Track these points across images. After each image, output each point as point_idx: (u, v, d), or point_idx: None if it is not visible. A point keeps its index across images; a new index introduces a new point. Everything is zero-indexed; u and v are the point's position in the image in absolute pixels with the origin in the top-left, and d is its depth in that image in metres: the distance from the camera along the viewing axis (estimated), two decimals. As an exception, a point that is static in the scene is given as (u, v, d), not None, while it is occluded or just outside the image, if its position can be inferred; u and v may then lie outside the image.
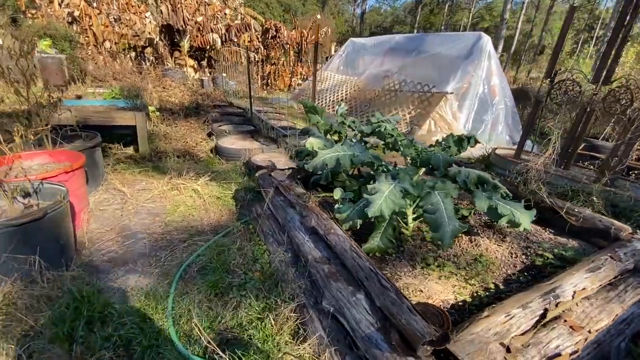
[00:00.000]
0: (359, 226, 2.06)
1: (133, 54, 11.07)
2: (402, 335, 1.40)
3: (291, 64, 13.94)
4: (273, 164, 4.24)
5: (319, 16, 15.16)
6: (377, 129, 2.59)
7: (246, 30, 11.79)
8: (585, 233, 2.36)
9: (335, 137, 2.94)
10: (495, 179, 2.32)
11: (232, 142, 5.13)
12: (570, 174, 4.49)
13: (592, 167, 4.53)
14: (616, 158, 3.91)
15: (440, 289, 1.82)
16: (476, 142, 2.47)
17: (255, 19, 13.45)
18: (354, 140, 2.77)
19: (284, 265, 2.22)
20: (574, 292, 1.63)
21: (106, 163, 3.96)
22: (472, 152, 6.33)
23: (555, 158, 4.36)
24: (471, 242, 2.28)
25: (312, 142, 2.42)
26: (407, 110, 7.53)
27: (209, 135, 5.68)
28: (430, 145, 2.57)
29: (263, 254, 2.52)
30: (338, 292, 1.72)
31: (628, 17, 3.86)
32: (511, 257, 2.18)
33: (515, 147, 5.33)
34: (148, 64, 10.94)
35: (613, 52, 3.99)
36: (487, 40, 7.26)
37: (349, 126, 2.90)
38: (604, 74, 4.07)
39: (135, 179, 3.87)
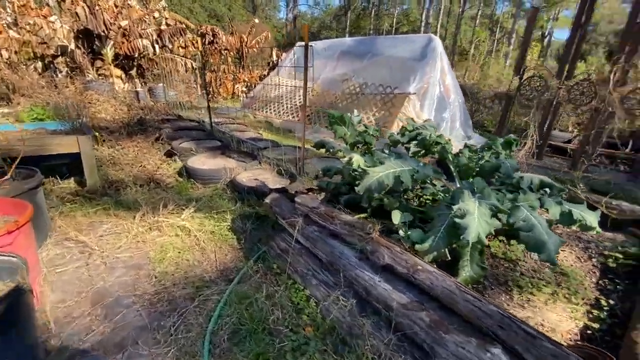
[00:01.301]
0: (449, 257, 1.73)
1: (40, 64, 9.21)
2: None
3: (232, 71, 13.09)
4: (263, 183, 3.70)
5: (257, 20, 14.53)
6: (418, 137, 2.30)
7: (181, 35, 10.68)
8: (626, 224, 2.38)
9: (356, 150, 2.58)
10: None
11: (202, 161, 4.40)
12: (546, 164, 4.79)
13: (562, 156, 4.93)
14: (587, 146, 4.24)
15: (556, 318, 1.58)
16: (518, 143, 2.32)
17: (181, 23, 12.30)
18: (387, 152, 2.43)
19: (349, 315, 1.79)
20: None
21: (48, 205, 3.00)
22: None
23: (534, 150, 4.60)
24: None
25: (357, 160, 2.02)
26: (370, 113, 7.47)
27: (169, 155, 4.83)
28: (476, 151, 2.36)
29: (307, 302, 2.04)
30: (459, 348, 1.37)
31: (581, 27, 4.25)
32: (581, 261, 2.06)
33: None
34: (61, 75, 9.20)
35: (572, 51, 4.35)
36: (438, 42, 7.58)
37: (373, 135, 2.57)
38: (566, 70, 4.41)
39: (92, 222, 2.99)
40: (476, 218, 1.61)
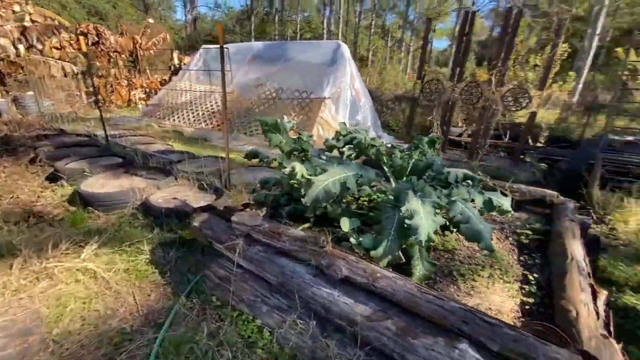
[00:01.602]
0: (403, 258, 1.72)
1: None
2: (547, 375, 1.19)
3: (126, 76, 11.52)
4: (184, 202, 3.26)
5: (151, 20, 13.08)
6: (354, 141, 2.28)
7: (54, 34, 8.90)
8: (525, 204, 2.79)
9: (293, 158, 2.44)
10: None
11: (101, 183, 3.67)
12: (449, 157, 5.42)
13: (458, 148, 5.66)
14: (479, 139, 4.95)
15: (499, 300, 1.72)
16: (438, 142, 2.51)
17: (52, 20, 10.29)
18: (324, 158, 2.36)
19: (310, 338, 1.65)
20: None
21: None
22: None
23: (439, 145, 5.15)
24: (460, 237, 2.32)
25: (300, 170, 1.88)
26: (289, 117, 7.41)
27: (53, 179, 3.90)
28: (403, 151, 2.46)
29: (260, 333, 1.82)
30: (429, 351, 1.36)
31: (466, 36, 4.94)
32: (501, 242, 2.32)
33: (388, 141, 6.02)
34: None
35: (460, 58, 5.02)
36: (345, 48, 7.97)
37: (307, 142, 2.46)
38: (457, 74, 5.07)
39: (-61, 284, 2.17)
40: (423, 217, 1.65)
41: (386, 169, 2.28)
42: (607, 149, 4.78)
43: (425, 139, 2.45)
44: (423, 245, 1.61)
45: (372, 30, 31.11)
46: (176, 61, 12.63)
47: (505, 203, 2.16)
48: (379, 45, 24.24)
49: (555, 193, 2.73)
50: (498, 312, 1.63)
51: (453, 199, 1.87)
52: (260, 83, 7.94)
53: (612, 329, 1.57)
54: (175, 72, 11.64)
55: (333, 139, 2.48)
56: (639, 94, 7.19)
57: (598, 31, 14.64)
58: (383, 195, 2.41)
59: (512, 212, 2.18)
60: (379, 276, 1.58)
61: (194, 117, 8.11)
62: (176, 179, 3.85)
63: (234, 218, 2.07)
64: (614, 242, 3.51)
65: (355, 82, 8.11)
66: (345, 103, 7.69)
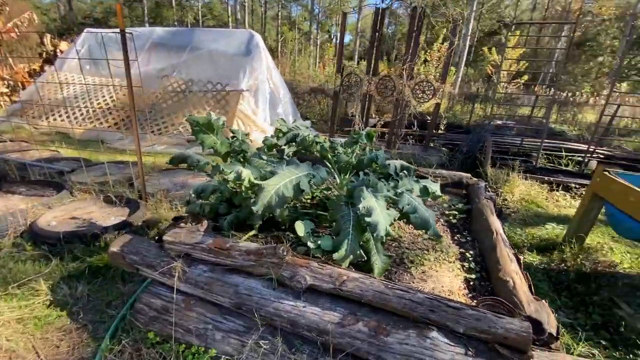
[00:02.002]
0: (365, 256, 1.68)
1: None
2: (506, 346, 1.32)
3: (-26, 64, 8.95)
4: (89, 222, 2.70)
5: (5, -6, 10.31)
6: (297, 138, 2.15)
7: None
8: (447, 187, 3.10)
9: (233, 162, 2.20)
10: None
11: (-44, 209, 2.77)
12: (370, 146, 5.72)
13: (377, 138, 6.03)
14: (395, 129, 5.34)
15: (448, 281, 1.85)
16: (374, 136, 2.58)
17: None
18: (265, 158, 2.18)
19: (278, 358, 1.52)
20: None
21: None
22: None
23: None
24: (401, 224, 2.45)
25: (247, 174, 1.68)
26: (204, 112, 6.80)
27: None
28: (343, 145, 2.44)
29: (217, 364, 1.60)
30: (403, 346, 1.38)
31: (377, 32, 5.21)
32: (437, 224, 2.53)
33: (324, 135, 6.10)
34: None
35: (374, 52, 5.29)
36: (259, 38, 7.64)
37: (244, 141, 2.23)
38: (372, 68, 5.34)
39: None
40: (380, 213, 1.65)
41: (331, 165, 2.24)
42: (492, 133, 5.68)
43: (363, 133, 2.48)
44: (384, 241, 1.61)
45: (280, 21, 30.75)
46: (49, 47, 10.35)
47: (436, 188, 2.34)
48: (289, 36, 24.14)
49: (469, 175, 3.10)
50: (450, 292, 1.76)
51: (400, 190, 1.93)
52: (166, 74, 7.07)
53: (532, 288, 1.85)
54: (49, 60, 9.55)
55: (273, 136, 2.32)
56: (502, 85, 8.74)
57: (469, 32, 17.37)
58: (329, 193, 2.37)
59: (442, 196, 2.39)
60: (345, 279, 1.53)
61: (82, 115, 6.78)
62: (72, 193, 3.15)
63: (167, 237, 1.76)
64: (507, 211, 4.21)
65: (272, 74, 7.88)
66: (265, 95, 7.42)
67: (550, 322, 1.47)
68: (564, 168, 5.66)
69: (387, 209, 1.79)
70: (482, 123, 6.02)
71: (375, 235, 1.59)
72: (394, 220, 2.32)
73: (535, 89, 11.62)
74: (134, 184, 3.37)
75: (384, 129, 7.14)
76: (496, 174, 4.83)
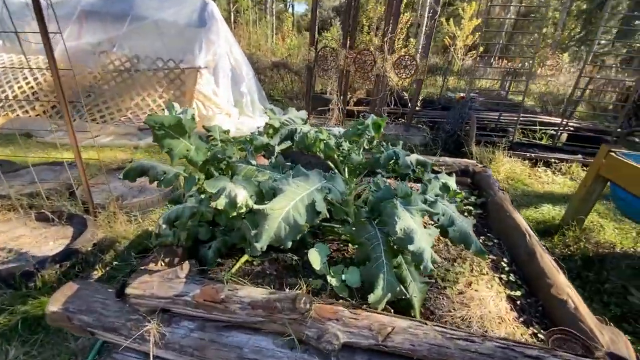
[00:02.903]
0: (407, 293, 1.31)
1: None
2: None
3: None
4: (17, 252, 2.05)
5: None
6: (295, 135, 1.67)
7: None
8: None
9: (221, 176, 1.67)
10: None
11: None
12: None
13: (352, 118, 5.62)
14: (377, 108, 4.96)
15: (492, 301, 1.56)
16: (384, 124, 2.16)
17: None
18: (254, 164, 1.69)
19: None
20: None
21: None
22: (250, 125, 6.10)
23: (341, 117, 4.96)
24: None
25: (243, 198, 1.20)
26: (156, 94, 5.91)
27: None
28: (348, 139, 2.00)
29: None
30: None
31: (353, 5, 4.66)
32: (451, 224, 2.24)
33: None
34: None
35: (350, 23, 4.76)
36: (214, 6, 6.69)
37: (228, 142, 1.71)
38: (348, 42, 4.83)
39: None
40: (422, 236, 1.28)
41: (337, 167, 1.80)
42: (472, 109, 5.52)
43: (369, 122, 2.06)
44: (428, 271, 1.25)
45: (230, -12, 28.30)
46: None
47: (453, 183, 2.02)
48: (243, 5, 22.20)
49: (474, 162, 2.83)
50: (500, 319, 1.47)
51: (430, 197, 1.57)
52: (104, 50, 5.97)
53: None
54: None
55: (263, 133, 1.81)
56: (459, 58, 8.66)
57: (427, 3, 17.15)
58: (331, 197, 1.95)
59: (461, 192, 2.08)
60: (390, 331, 1.15)
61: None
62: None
63: (132, 290, 1.25)
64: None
65: (233, 49, 7.02)
66: (226, 73, 6.62)
67: (631, 356, 1.24)
68: (539, 142, 5.71)
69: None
70: (463, 99, 5.84)
71: (423, 267, 1.22)
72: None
73: (494, 61, 11.78)
74: (76, 193, 2.69)
75: (358, 108, 6.74)
76: (481, 152, 4.69)
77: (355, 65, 4.82)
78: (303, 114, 1.97)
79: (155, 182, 1.52)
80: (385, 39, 4.46)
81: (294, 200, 1.24)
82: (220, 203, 1.16)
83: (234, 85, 6.83)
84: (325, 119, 5.44)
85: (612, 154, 2.64)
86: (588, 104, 8.29)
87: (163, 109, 5.89)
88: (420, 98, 7.12)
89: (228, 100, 6.56)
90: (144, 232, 2.58)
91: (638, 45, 6.53)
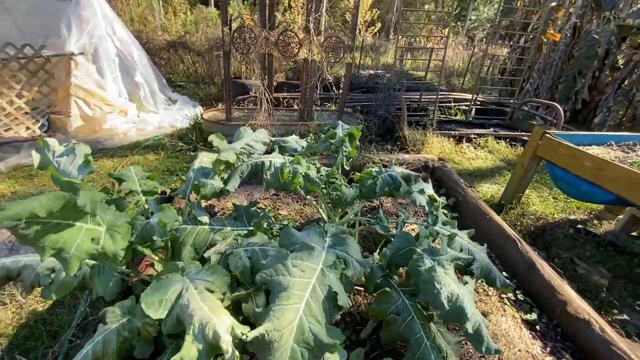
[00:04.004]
0: None
1: None
2: None
3: None
4: None
5: None
6: (265, 172, 1.16)
7: None
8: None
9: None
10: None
11: None
12: (280, 119, 4.80)
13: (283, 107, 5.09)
14: (308, 96, 4.54)
15: (513, 332, 1.40)
16: (358, 133, 1.78)
17: None
18: (206, 219, 1.14)
19: None
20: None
21: None
22: (155, 122, 5.08)
23: (271, 109, 4.40)
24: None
25: (228, 329, 0.69)
26: (12, 94, 4.33)
27: None
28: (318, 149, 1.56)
29: None
30: None
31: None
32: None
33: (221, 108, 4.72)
34: None
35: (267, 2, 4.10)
36: (81, -30, 5.11)
37: (146, 192, 1.09)
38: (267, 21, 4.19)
39: None
40: (470, 304, 0.99)
41: (321, 201, 1.37)
42: (395, 90, 5.53)
43: (339, 133, 1.65)
44: (492, 352, 0.97)
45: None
46: None
47: (431, 190, 1.82)
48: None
49: (434, 157, 2.70)
50: (530, 355, 1.31)
51: (448, 233, 1.28)
52: None
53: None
54: None
55: (213, 173, 1.23)
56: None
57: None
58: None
59: (440, 200, 1.89)
60: None
61: None
62: None
63: None
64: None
65: (116, 28, 5.59)
66: (111, 59, 5.26)
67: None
68: (455, 118, 6.12)
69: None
70: (387, 81, 5.80)
71: (483, 348, 0.93)
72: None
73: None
74: None
75: (284, 95, 6.21)
76: (413, 135, 4.74)
77: (278, 48, 4.24)
78: (263, 135, 1.45)
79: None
80: (310, 17, 3.98)
81: (303, 300, 0.80)
82: (190, 355, 0.64)
83: (126, 74, 5.52)
84: (251, 111, 4.79)
85: (548, 135, 2.79)
86: (475, 77, 9.37)
87: (27, 114, 4.41)
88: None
89: (120, 93, 5.27)
90: (31, 318, 1.77)
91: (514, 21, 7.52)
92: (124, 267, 1.23)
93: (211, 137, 1.28)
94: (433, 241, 1.21)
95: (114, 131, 4.48)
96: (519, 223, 3.11)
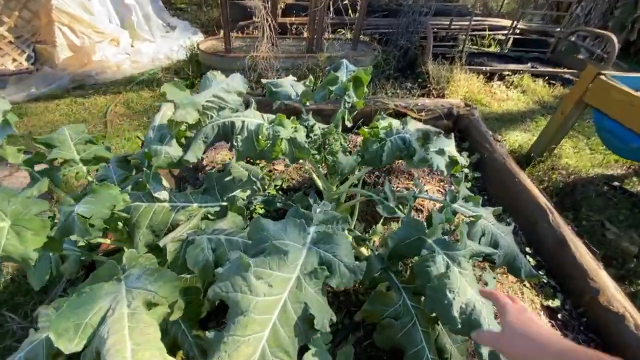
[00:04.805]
0: None
1: None
2: None
3: None
4: None
5: None
6: (233, 135, 0.89)
7: None
8: (430, 123, 2.29)
9: None
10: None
11: None
12: (285, 50, 4.28)
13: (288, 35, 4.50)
14: (319, 22, 3.93)
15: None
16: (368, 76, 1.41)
17: None
18: (166, 194, 0.91)
19: None
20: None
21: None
22: (151, 53, 4.63)
23: (275, 39, 3.88)
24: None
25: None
26: (-10, 19, 3.91)
27: None
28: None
29: None
30: None
31: None
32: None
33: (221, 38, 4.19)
34: None
35: None
36: None
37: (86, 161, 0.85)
38: None
39: None
40: (487, 314, 0.78)
41: (317, 176, 1.11)
42: (423, 14, 4.74)
43: (342, 77, 1.30)
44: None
45: None
46: None
47: (453, 149, 1.52)
48: None
49: (459, 101, 2.30)
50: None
51: (470, 213, 1.03)
52: None
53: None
54: None
55: (170, 136, 0.97)
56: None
57: None
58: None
59: (465, 164, 1.59)
60: None
61: None
62: None
63: None
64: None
65: None
66: (94, -24, 4.61)
67: None
68: (488, 50, 5.34)
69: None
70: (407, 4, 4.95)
71: None
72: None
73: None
74: None
75: (291, 19, 5.47)
76: (438, 71, 4.16)
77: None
78: (238, 82, 1.13)
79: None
80: None
81: (267, 327, 0.60)
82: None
83: (114, -3, 4.89)
84: (254, 40, 4.25)
85: (603, 77, 2.30)
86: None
87: (11, 43, 4.05)
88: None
89: (110, 19, 4.74)
90: (17, 273, 1.73)
91: None
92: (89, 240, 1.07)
93: (165, 87, 0.99)
94: (450, 224, 0.97)
95: (106, 63, 4.10)
96: (546, 178, 2.79)
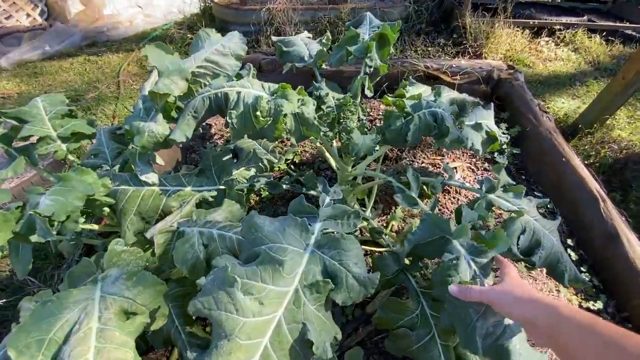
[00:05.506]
0: None
1: None
2: None
3: None
4: None
5: None
6: (227, 108, 0.75)
7: None
8: (465, 88, 2.01)
9: None
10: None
11: None
12: (305, 1, 3.90)
13: None
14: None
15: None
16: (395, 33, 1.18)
17: None
18: (154, 176, 0.80)
19: None
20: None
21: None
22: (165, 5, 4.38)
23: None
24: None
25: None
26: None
27: None
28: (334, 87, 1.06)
29: None
30: None
31: None
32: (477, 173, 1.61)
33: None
34: None
35: None
36: None
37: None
38: None
39: None
40: (519, 338, 0.64)
41: (330, 155, 0.95)
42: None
43: (365, 35, 1.09)
44: None
45: None
46: None
47: (492, 123, 1.31)
48: None
49: (501, 63, 1.98)
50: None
51: (509, 207, 0.86)
52: None
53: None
54: None
55: (156, 111, 0.84)
56: None
57: None
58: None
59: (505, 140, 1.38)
60: None
61: None
62: None
63: None
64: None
65: None
66: None
67: None
68: (537, -1, 4.66)
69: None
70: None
71: None
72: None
73: None
74: None
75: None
76: (477, 25, 3.68)
77: None
78: (236, 43, 0.95)
79: None
80: None
81: (256, 354, 0.49)
82: None
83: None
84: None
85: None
86: None
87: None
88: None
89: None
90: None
91: None
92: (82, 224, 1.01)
93: (147, 50, 0.82)
94: (483, 222, 0.81)
95: (117, 18, 3.91)
96: (593, 153, 2.49)
